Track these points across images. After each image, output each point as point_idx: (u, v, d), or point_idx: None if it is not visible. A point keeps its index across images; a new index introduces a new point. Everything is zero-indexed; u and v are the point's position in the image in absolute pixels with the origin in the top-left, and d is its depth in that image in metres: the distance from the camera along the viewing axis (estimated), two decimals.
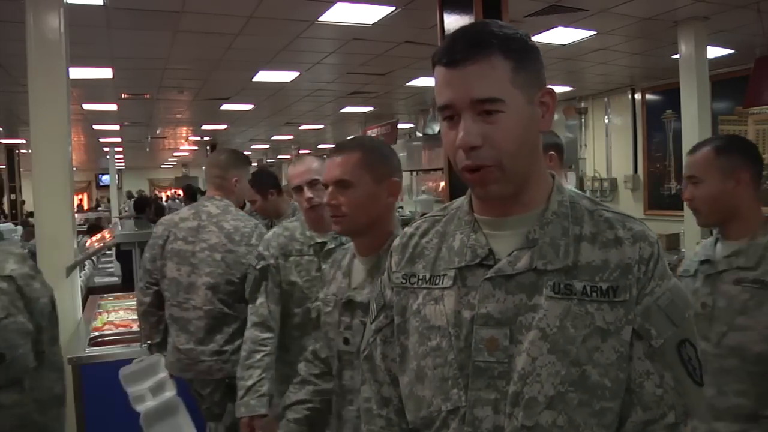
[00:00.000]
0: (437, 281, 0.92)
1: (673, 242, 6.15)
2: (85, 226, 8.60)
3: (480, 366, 0.85)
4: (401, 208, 12.80)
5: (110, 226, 7.51)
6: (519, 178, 0.87)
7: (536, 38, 5.46)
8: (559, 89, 8.26)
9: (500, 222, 0.91)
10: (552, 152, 2.40)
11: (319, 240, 2.05)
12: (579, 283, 0.84)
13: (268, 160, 22.09)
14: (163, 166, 25.39)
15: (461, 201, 0.99)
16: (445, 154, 3.50)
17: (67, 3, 3.32)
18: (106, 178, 23.07)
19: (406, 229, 1.05)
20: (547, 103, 0.89)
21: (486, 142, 0.83)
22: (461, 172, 0.87)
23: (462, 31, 0.88)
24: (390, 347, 0.99)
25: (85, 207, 21.54)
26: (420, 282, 0.95)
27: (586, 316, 0.83)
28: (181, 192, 22.63)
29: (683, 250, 5.79)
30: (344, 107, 9.83)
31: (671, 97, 7.06)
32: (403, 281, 0.97)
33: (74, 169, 3.90)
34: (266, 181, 3.12)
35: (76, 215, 3.88)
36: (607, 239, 0.87)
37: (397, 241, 1.04)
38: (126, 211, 14.24)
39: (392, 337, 0.98)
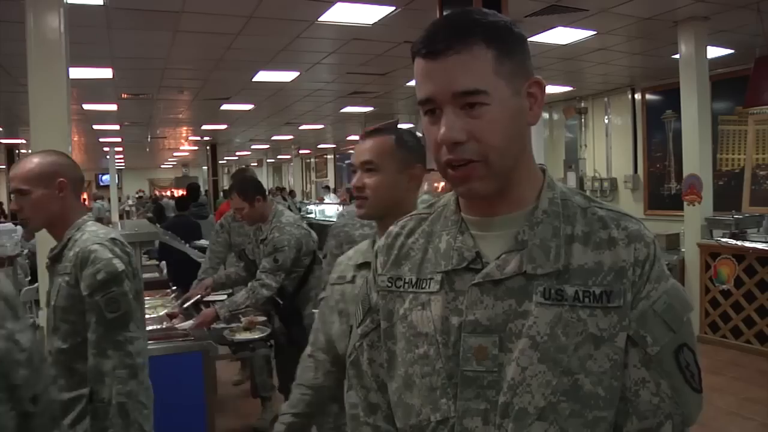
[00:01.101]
0: (424, 285, 0.88)
1: (673, 242, 6.16)
2: None
3: (468, 375, 0.81)
4: None
5: (110, 225, 7.53)
6: (504, 175, 0.82)
7: (536, 38, 5.47)
8: (559, 89, 8.26)
9: (488, 222, 0.86)
10: (420, 164, 2.04)
11: None
12: (571, 288, 0.80)
13: (268, 160, 22.10)
14: (163, 166, 25.40)
15: (448, 198, 0.93)
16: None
17: (67, 3, 3.32)
18: (106, 178, 23.08)
19: (391, 228, 0.98)
20: (535, 95, 0.83)
21: (470, 137, 0.78)
22: (443, 169, 0.82)
23: (443, 19, 0.82)
24: (377, 352, 0.94)
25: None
26: (406, 285, 0.90)
27: (578, 323, 0.79)
28: (183, 192, 22.66)
29: (683, 249, 5.80)
30: (344, 107, 9.83)
31: (671, 97, 7.06)
32: (389, 284, 0.92)
33: None
34: (252, 188, 3.15)
35: None
36: (601, 240, 0.82)
37: (382, 242, 0.98)
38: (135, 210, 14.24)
39: (379, 341, 0.93)
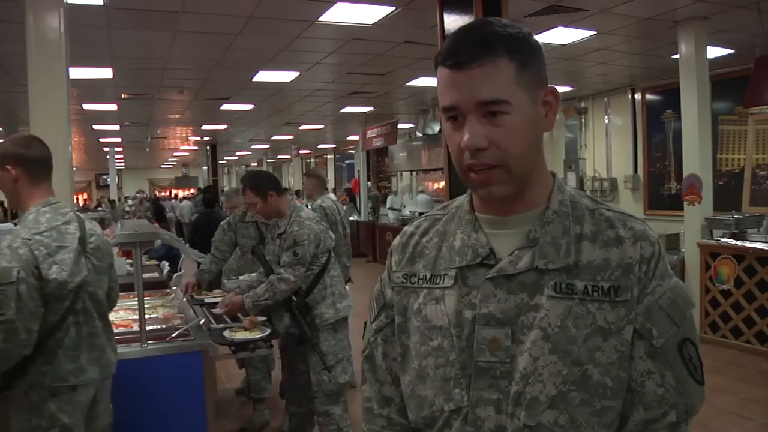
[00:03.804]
0: (438, 281, 0.92)
1: (673, 242, 6.16)
2: None
3: (482, 366, 0.85)
4: (404, 207, 12.76)
5: (111, 226, 7.55)
6: (522, 178, 0.86)
7: (536, 38, 5.47)
8: (559, 89, 8.25)
9: (501, 221, 0.91)
10: (8, 165, 2.00)
11: None
12: (580, 282, 0.84)
13: (268, 160, 22.11)
14: (163, 166, 25.40)
15: (462, 200, 0.98)
16: (445, 154, 3.50)
17: (67, 3, 3.32)
18: (105, 178, 23.10)
19: (406, 228, 1.04)
20: (550, 103, 0.89)
21: (491, 144, 0.83)
22: (464, 173, 0.87)
23: (465, 31, 0.86)
24: (391, 346, 0.99)
25: (93, 205, 21.50)
26: (421, 281, 0.95)
27: (587, 316, 0.83)
28: (181, 192, 22.73)
29: (683, 249, 5.80)
30: (344, 107, 9.84)
31: (671, 97, 7.06)
32: (404, 281, 0.97)
33: (74, 169, 3.90)
34: (265, 183, 3.13)
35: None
36: (608, 238, 0.87)
37: (397, 240, 1.03)
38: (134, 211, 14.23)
39: (393, 336, 0.98)
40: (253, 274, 3.87)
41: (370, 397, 1.03)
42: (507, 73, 0.82)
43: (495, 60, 0.82)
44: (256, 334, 3.04)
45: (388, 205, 13.08)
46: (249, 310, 3.08)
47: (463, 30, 0.87)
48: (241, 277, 4.11)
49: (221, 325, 3.18)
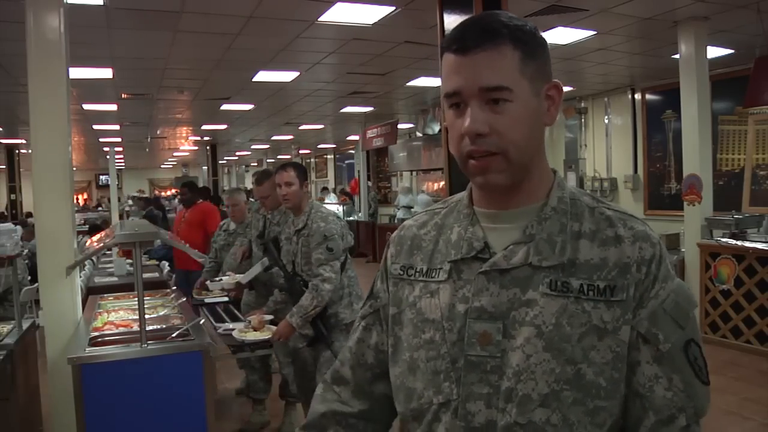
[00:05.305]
0: (433, 274, 0.93)
1: (673, 242, 6.16)
2: (86, 227, 8.61)
3: (472, 360, 0.85)
4: (412, 207, 12.68)
5: (112, 226, 7.55)
6: (521, 169, 0.86)
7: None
8: None
9: (499, 215, 0.91)
10: None
11: None
12: (576, 281, 0.84)
13: (268, 160, 22.10)
14: (163, 166, 25.38)
15: (462, 194, 0.99)
16: (445, 154, 3.50)
17: (67, 3, 3.31)
18: (105, 178, 23.09)
19: (406, 221, 1.06)
20: (553, 97, 0.89)
21: (492, 131, 0.83)
22: (464, 160, 0.87)
23: (472, 20, 0.87)
24: (368, 333, 1.03)
25: (93, 205, 21.48)
26: (417, 274, 0.95)
27: (582, 315, 0.83)
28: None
29: (683, 249, 5.80)
30: (344, 107, 9.83)
31: (671, 97, 7.07)
32: (401, 272, 0.98)
33: (74, 169, 3.90)
34: (305, 173, 3.18)
35: (76, 215, 3.90)
36: (607, 237, 0.87)
37: (395, 233, 1.05)
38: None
39: (373, 325, 1.03)
40: (237, 276, 3.89)
41: (337, 369, 1.07)
42: (511, 60, 0.83)
43: (499, 46, 0.82)
44: (266, 335, 3.03)
45: (403, 204, 12.81)
46: (299, 328, 2.97)
47: (470, 19, 0.88)
48: (224, 278, 4.14)
49: (230, 326, 3.19)
